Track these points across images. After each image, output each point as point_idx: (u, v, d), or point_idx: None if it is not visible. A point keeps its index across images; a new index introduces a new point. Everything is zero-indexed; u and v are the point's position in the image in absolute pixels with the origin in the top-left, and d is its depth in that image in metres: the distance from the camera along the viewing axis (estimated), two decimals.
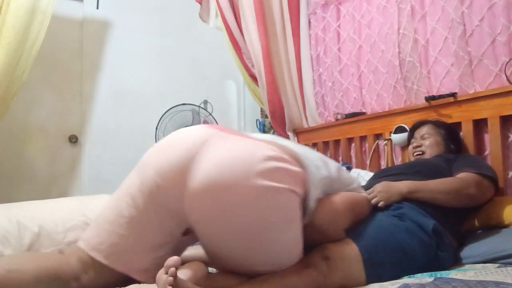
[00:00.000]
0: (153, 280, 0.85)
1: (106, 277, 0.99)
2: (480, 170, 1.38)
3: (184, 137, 0.97)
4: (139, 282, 0.99)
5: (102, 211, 1.04)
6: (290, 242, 0.93)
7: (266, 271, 0.93)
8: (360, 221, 1.15)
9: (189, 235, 1.04)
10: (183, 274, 0.82)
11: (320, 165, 1.04)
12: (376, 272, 1.00)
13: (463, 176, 1.37)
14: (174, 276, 0.73)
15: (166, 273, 0.75)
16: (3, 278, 0.87)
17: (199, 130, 0.99)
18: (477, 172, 1.37)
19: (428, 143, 1.67)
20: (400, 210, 1.23)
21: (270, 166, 0.87)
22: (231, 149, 0.91)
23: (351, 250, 1.00)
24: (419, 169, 1.47)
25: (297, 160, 0.97)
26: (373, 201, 1.25)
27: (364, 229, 1.09)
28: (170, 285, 0.73)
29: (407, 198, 1.28)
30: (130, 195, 0.97)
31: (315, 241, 1.02)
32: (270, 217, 0.87)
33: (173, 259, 0.75)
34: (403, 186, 1.30)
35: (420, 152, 1.69)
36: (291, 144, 1.06)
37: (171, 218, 0.96)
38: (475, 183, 1.34)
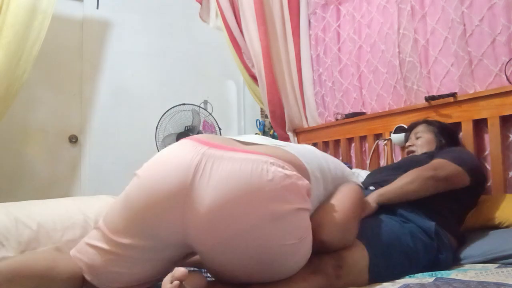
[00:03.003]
0: None
1: None
2: (446, 157, 1.38)
3: (174, 163, 0.85)
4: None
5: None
6: (303, 258, 0.89)
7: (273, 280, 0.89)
8: (369, 223, 1.13)
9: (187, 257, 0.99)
10: (187, 283, 0.79)
11: (319, 176, 1.00)
12: (379, 276, 1.01)
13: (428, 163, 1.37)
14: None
15: (171, 282, 0.74)
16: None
17: (188, 152, 0.86)
18: (443, 158, 1.38)
19: (420, 143, 1.69)
20: (402, 212, 1.23)
21: (278, 187, 0.80)
22: (233, 171, 0.81)
23: (362, 259, 0.99)
24: (406, 168, 1.47)
25: (301, 168, 0.91)
26: None
27: (375, 234, 1.07)
28: None
29: (388, 204, 1.26)
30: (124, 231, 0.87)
31: (319, 251, 0.97)
32: (284, 241, 0.81)
33: (180, 270, 0.74)
34: (372, 195, 1.26)
35: (411, 152, 1.71)
36: (292, 147, 1.00)
37: (172, 248, 0.89)
38: (435, 166, 1.33)
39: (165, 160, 0.88)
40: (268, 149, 0.91)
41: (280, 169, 0.82)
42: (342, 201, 1.02)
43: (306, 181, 0.87)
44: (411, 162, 1.50)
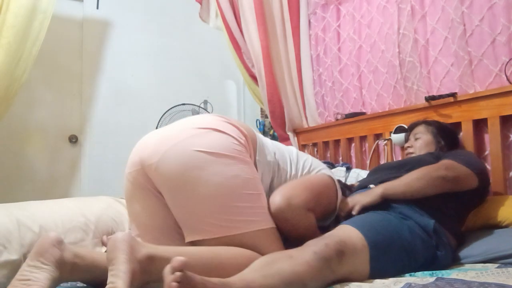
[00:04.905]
0: None
1: None
2: (456, 159, 1.39)
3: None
4: None
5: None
6: (239, 179, 1.02)
7: (238, 224, 1.00)
8: (369, 216, 1.17)
9: None
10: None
11: (272, 155, 1.21)
12: (379, 269, 1.02)
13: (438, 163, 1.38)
14: (179, 281, 0.73)
15: (172, 273, 0.75)
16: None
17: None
18: (452, 159, 1.38)
19: (418, 145, 1.69)
20: (401, 210, 1.24)
21: (203, 122, 1.10)
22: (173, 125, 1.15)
23: (362, 247, 1.01)
24: (411, 167, 1.47)
25: (245, 129, 1.13)
26: (354, 211, 1.25)
27: (374, 225, 1.10)
28: None
29: (397, 200, 1.27)
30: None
31: (291, 234, 1.10)
32: (207, 149, 1.02)
33: (177, 259, 0.75)
34: (378, 187, 1.30)
35: (409, 154, 1.71)
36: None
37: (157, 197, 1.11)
38: (446, 166, 1.34)
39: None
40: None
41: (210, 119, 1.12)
42: (294, 180, 1.22)
43: (236, 127, 1.12)
44: (417, 162, 1.50)
